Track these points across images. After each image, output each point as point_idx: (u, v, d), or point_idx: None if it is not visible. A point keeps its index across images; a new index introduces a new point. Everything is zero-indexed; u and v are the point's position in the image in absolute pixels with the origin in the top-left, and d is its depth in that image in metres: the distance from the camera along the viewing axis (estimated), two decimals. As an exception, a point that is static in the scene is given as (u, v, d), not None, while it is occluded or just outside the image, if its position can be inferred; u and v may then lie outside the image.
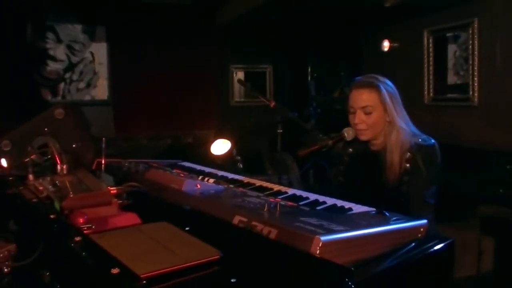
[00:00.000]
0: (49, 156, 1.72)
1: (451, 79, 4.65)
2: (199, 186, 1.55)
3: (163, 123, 6.09)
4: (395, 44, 5.24)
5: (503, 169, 3.76)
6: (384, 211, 1.33)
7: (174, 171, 1.95)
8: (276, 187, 1.73)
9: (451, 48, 4.66)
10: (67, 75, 5.25)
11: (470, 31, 4.22)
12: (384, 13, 4.82)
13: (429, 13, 4.64)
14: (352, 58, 6.68)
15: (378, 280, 0.99)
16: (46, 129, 1.51)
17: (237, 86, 7.08)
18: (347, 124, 2.06)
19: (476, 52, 4.20)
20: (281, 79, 7.09)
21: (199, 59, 6.34)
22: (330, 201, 1.54)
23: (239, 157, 3.56)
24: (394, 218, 1.28)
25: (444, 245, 1.20)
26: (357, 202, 1.53)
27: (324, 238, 1.03)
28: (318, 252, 1.01)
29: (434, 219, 1.87)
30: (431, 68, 4.77)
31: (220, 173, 2.03)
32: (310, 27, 6.46)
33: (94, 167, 2.01)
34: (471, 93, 4.29)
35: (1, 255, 1.09)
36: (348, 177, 2.14)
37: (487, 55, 4.13)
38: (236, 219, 1.23)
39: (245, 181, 1.86)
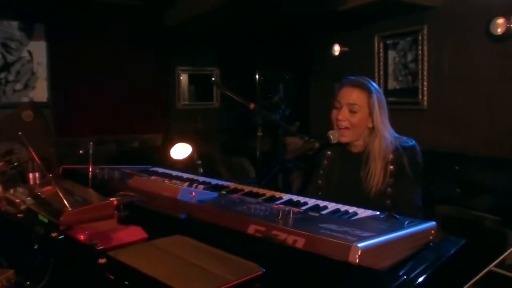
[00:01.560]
0: (15, 164, 1.52)
1: (390, 84, 4.86)
2: (194, 194, 1.43)
3: (107, 127, 5.80)
4: (346, 49, 5.34)
5: (452, 170, 3.93)
6: (395, 215, 1.30)
7: (153, 177, 1.82)
8: (269, 192, 1.65)
9: (391, 55, 4.86)
10: (2, 76, 4.85)
11: (420, 37, 4.39)
12: (336, 18, 4.90)
13: (381, 19, 4.78)
14: (300, 62, 6.76)
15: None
16: (19, 133, 1.32)
17: (183, 89, 6.93)
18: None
19: (425, 58, 4.38)
20: (228, 82, 7.02)
21: (145, 60, 6.12)
22: (331, 205, 1.48)
23: (199, 162, 3.43)
24: (407, 222, 1.25)
25: (462, 245, 1.19)
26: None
27: (361, 245, 0.97)
28: (357, 260, 0.95)
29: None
30: (381, 72, 4.91)
31: (202, 178, 1.92)
32: (259, 30, 6.45)
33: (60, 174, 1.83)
34: (420, 96, 4.46)
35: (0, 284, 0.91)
36: (328, 180, 2.10)
37: (436, 61, 4.32)
38: (251, 229, 1.14)
39: (232, 186, 1.76)
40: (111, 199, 1.14)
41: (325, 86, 5.92)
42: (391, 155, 1.92)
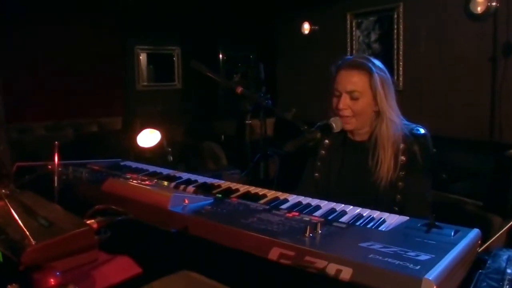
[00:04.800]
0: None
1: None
2: (187, 202, 1.16)
3: (63, 110, 5.37)
4: (316, 27, 5.13)
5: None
6: (435, 222, 1.09)
7: (129, 176, 1.52)
8: (269, 193, 1.41)
9: (356, 34, 4.71)
10: None
11: (395, 16, 4.23)
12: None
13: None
14: (266, 40, 6.49)
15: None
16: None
17: (142, 69, 6.52)
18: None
19: (401, 37, 4.22)
20: (190, 61, 6.66)
21: (101, 39, 5.69)
22: (348, 208, 1.26)
23: (170, 149, 3.13)
24: (453, 231, 1.04)
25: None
26: (339, 201, 1.30)
27: (433, 277, 0.75)
28: (432, 300, 0.73)
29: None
30: (354, 51, 4.73)
31: (184, 175, 1.64)
32: (222, 7, 6.13)
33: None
34: (396, 77, 4.31)
35: None
36: (327, 173, 1.87)
37: (412, 40, 4.17)
38: (274, 253, 0.89)
39: (224, 186, 1.50)
40: (89, 222, 0.85)
41: (294, 66, 5.71)
42: (402, 144, 1.70)
